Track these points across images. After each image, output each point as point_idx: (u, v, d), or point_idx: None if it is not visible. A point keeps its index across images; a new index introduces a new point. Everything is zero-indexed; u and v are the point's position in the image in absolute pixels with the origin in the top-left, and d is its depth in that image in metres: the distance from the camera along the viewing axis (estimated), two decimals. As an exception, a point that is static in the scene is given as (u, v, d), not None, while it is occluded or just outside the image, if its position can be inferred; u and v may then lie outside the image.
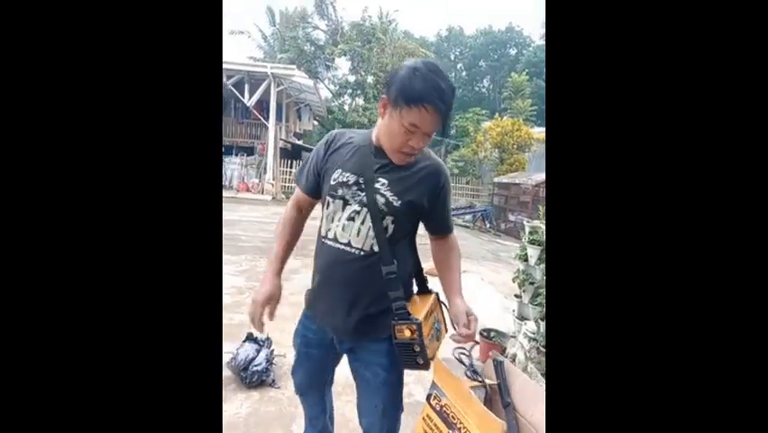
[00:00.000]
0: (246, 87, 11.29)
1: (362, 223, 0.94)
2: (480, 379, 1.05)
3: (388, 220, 0.94)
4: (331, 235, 0.97)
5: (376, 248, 0.93)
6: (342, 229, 0.95)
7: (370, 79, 15.99)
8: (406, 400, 1.99)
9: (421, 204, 0.96)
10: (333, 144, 1.02)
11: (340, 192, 0.95)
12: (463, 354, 1.06)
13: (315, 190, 1.04)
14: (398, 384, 1.07)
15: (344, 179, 0.95)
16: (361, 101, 16.53)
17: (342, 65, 17.49)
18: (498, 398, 1.03)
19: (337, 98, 17.21)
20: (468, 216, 9.94)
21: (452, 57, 30.54)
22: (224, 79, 11.10)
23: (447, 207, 1.04)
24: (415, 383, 2.13)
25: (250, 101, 11.26)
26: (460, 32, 30.44)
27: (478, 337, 2.56)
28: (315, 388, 1.19)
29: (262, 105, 11.85)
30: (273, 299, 1.03)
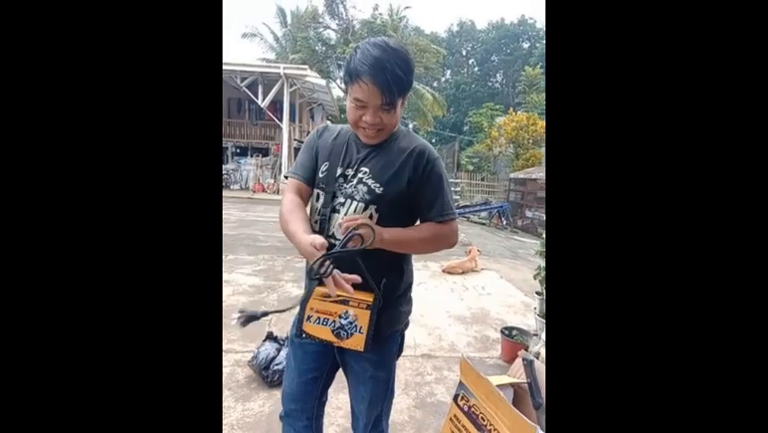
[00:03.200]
0: (260, 88, 11.41)
1: (346, 214, 0.93)
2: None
3: (372, 209, 0.93)
4: (317, 228, 0.97)
5: None
6: (329, 221, 0.95)
7: (381, 77, 15.93)
8: (428, 399, 1.97)
9: (403, 188, 0.93)
10: (321, 137, 1.04)
11: (326, 185, 0.97)
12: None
13: (312, 179, 1.02)
14: (387, 379, 1.04)
15: (330, 172, 0.97)
16: (373, 99, 16.48)
17: (354, 64, 17.45)
18: (528, 399, 1.00)
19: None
20: (484, 213, 9.83)
21: (464, 52, 30.22)
22: (238, 81, 11.25)
23: (437, 190, 0.96)
24: (436, 382, 2.10)
25: (263, 102, 11.37)
26: (471, 26, 30.08)
27: (499, 336, 2.52)
28: (304, 404, 1.07)
29: (276, 106, 11.96)
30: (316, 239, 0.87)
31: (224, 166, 12.54)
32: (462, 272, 4.37)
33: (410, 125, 22.71)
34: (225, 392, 1.87)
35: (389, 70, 0.84)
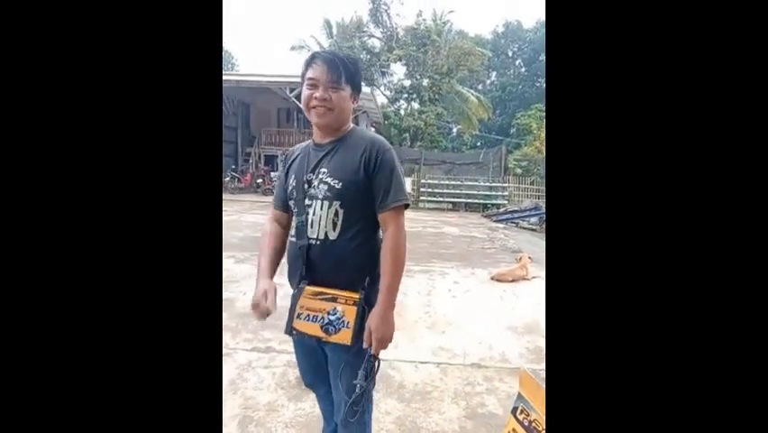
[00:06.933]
0: (307, 98, 11.78)
1: (314, 214, 1.02)
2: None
3: (336, 205, 1.00)
4: (293, 233, 1.07)
5: (331, 235, 1.00)
6: (304, 225, 1.03)
7: (425, 82, 15.90)
8: (479, 410, 1.91)
9: (360, 180, 1.00)
10: (287, 161, 1.16)
11: (295, 195, 1.07)
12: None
13: (285, 205, 1.14)
14: (360, 366, 1.01)
15: (297, 184, 1.07)
16: (416, 105, 16.50)
17: (398, 70, 17.62)
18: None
19: (393, 104, 17.35)
20: (534, 219, 9.42)
21: (510, 53, 29.36)
22: (288, 92, 11.74)
23: (390, 178, 1.01)
24: (487, 393, 2.03)
25: (311, 111, 11.72)
26: (518, 26, 29.19)
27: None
28: (319, 380, 1.18)
29: (322, 115, 12.29)
30: (269, 291, 1.03)
31: (272, 173, 13.10)
32: (513, 280, 4.21)
33: (454, 129, 22.40)
34: (278, 391, 1.93)
35: (337, 55, 1.03)
